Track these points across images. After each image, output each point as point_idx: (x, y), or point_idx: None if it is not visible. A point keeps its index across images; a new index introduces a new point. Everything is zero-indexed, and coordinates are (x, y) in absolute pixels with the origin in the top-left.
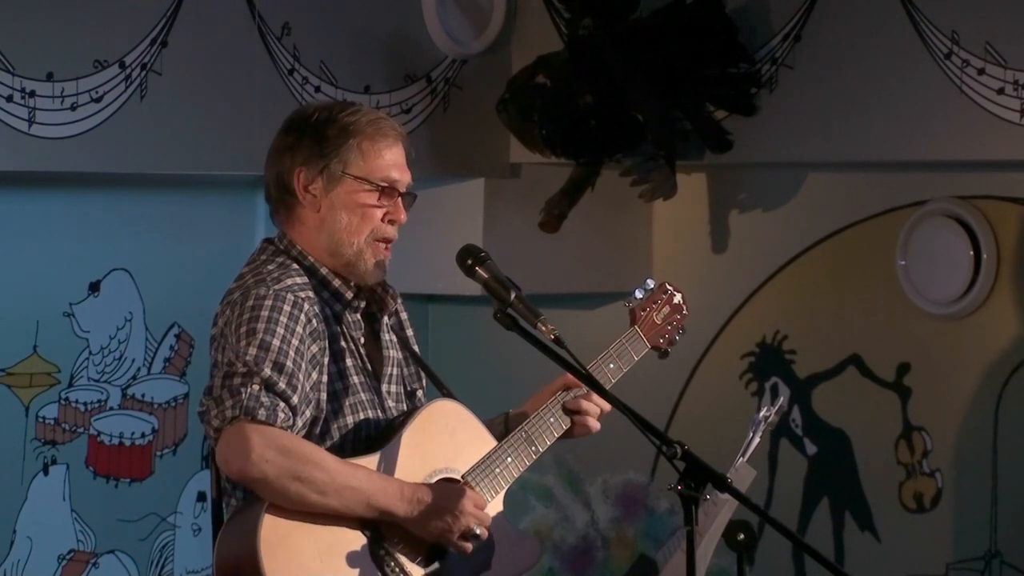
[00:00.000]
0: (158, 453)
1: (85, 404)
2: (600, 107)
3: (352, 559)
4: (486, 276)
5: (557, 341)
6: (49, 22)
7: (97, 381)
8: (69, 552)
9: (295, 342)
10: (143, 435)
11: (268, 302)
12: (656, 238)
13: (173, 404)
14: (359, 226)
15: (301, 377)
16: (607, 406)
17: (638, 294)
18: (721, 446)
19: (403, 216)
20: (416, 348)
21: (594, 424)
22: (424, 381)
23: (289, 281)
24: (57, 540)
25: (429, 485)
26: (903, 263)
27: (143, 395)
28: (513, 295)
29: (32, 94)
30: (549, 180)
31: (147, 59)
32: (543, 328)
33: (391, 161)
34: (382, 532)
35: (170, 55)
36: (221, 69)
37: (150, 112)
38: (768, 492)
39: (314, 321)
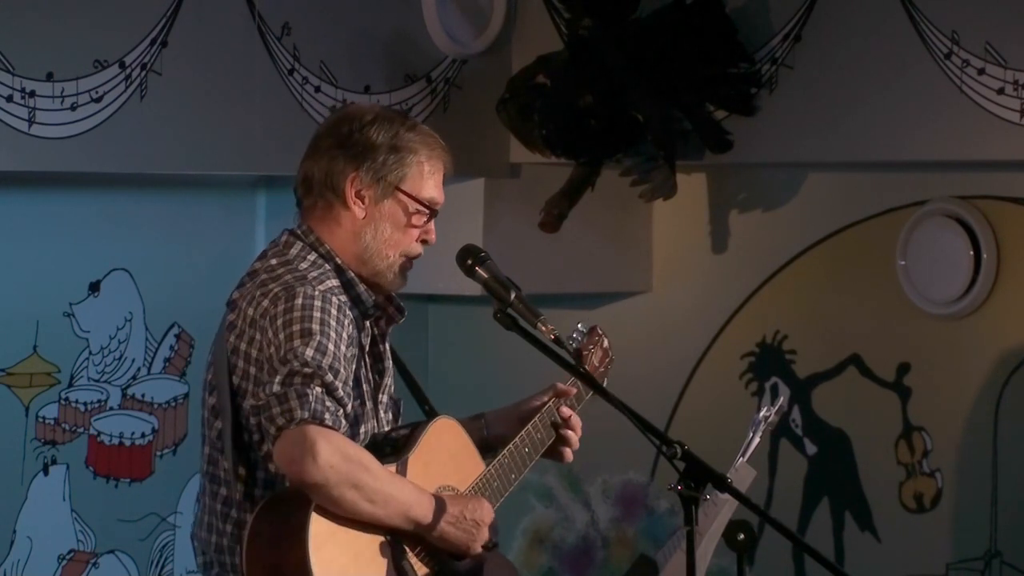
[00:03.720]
0: (158, 453)
1: (85, 404)
2: (600, 107)
3: (380, 564)
4: (486, 276)
5: (557, 341)
6: (49, 22)
7: (97, 381)
8: (69, 552)
9: (343, 347)
10: (143, 435)
11: (318, 303)
12: (656, 238)
13: (173, 404)
14: (398, 240)
15: (349, 383)
16: (576, 440)
17: (575, 335)
18: (721, 446)
19: (434, 237)
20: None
21: (568, 454)
22: (392, 385)
23: (329, 283)
24: (57, 540)
25: (452, 497)
26: (903, 263)
27: (143, 395)
28: (513, 295)
29: (32, 94)
30: (549, 180)
31: (147, 59)
32: (543, 328)
33: (436, 183)
34: (402, 540)
35: (170, 55)
36: (221, 69)
37: (150, 112)
38: (768, 492)
39: (350, 327)
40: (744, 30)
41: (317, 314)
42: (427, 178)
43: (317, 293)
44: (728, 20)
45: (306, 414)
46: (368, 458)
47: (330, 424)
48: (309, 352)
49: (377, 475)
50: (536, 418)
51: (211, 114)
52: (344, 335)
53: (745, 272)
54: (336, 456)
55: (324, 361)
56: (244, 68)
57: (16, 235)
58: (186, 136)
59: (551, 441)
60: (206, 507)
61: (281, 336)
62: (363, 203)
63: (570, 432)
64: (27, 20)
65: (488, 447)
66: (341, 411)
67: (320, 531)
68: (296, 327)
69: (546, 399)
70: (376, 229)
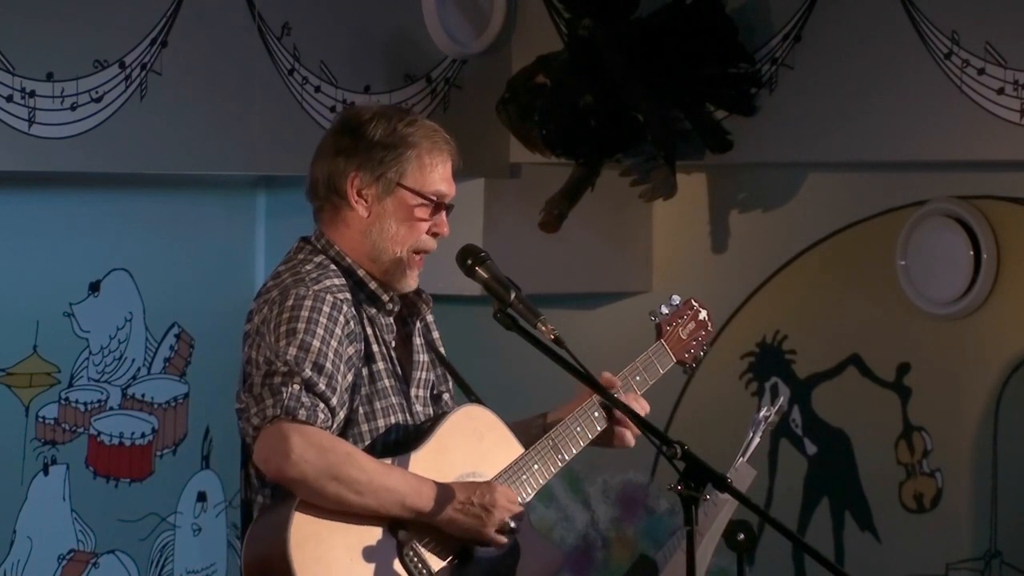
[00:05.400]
0: (158, 453)
1: (85, 404)
2: (600, 107)
3: (380, 558)
4: (486, 276)
5: (557, 341)
6: (49, 22)
7: (97, 381)
8: (69, 552)
9: (334, 343)
10: (143, 435)
11: (308, 302)
12: (656, 238)
13: (173, 404)
14: (405, 236)
15: (339, 379)
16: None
17: (664, 309)
18: (721, 446)
19: (447, 230)
20: (443, 350)
21: (630, 438)
22: (451, 383)
23: (328, 282)
24: (57, 540)
25: (460, 484)
26: (903, 263)
27: (143, 395)
28: (513, 295)
29: (32, 94)
30: (549, 180)
31: (147, 59)
32: (543, 328)
33: (442, 176)
34: (411, 532)
35: (170, 55)
36: (221, 69)
37: (150, 112)
38: (768, 492)
39: (351, 323)
40: (744, 30)
41: (304, 313)
42: (429, 171)
43: (309, 292)
44: (728, 20)
45: (279, 411)
46: (351, 450)
47: (304, 419)
48: (292, 351)
49: (362, 466)
50: (593, 397)
51: (211, 114)
52: (338, 331)
53: (745, 272)
54: (310, 450)
55: (307, 359)
56: (244, 68)
57: (16, 235)
58: (186, 136)
59: (602, 428)
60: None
61: (271, 338)
62: (366, 202)
63: (624, 431)
64: (27, 20)
65: None
66: (321, 406)
67: (304, 527)
68: (283, 328)
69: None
70: (382, 227)
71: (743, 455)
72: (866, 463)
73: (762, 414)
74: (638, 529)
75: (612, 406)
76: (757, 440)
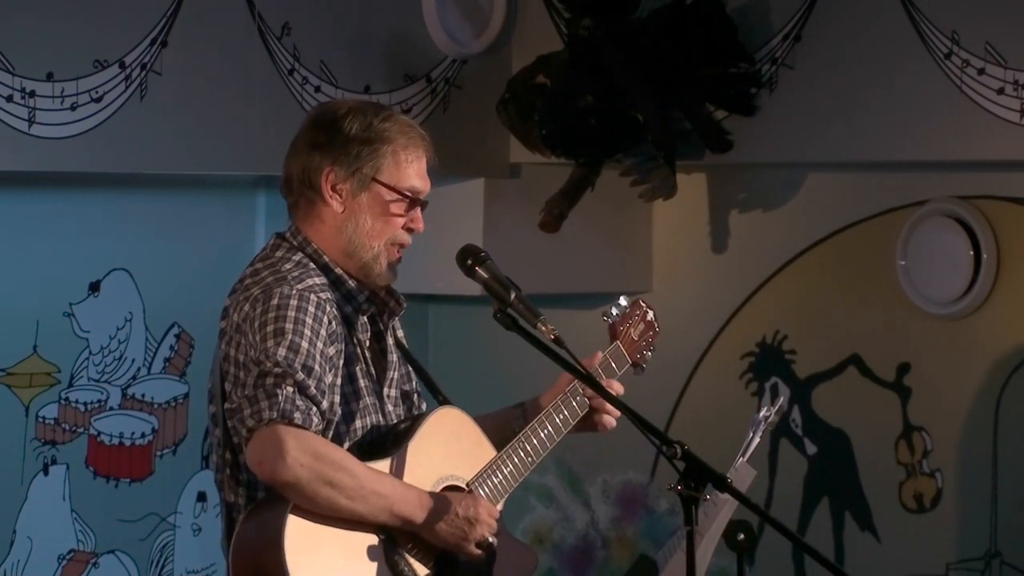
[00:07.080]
0: (158, 453)
1: (85, 404)
2: (600, 107)
3: (369, 563)
4: (486, 276)
5: (557, 341)
6: (49, 22)
7: (97, 381)
8: (69, 552)
9: (320, 344)
10: (143, 435)
11: (294, 302)
12: (656, 238)
13: (173, 404)
14: (380, 231)
15: (326, 380)
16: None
17: (614, 311)
18: (721, 446)
19: (422, 226)
20: (406, 345)
21: (611, 421)
22: (415, 381)
23: (310, 281)
24: (57, 540)
25: (444, 494)
26: (903, 263)
27: (143, 395)
28: (513, 295)
29: (32, 94)
30: (549, 180)
31: (147, 59)
32: (543, 328)
33: (417, 172)
34: (395, 538)
35: (170, 55)
36: (221, 69)
37: (150, 112)
38: (768, 492)
39: (333, 323)
40: (744, 30)
41: (291, 313)
42: (405, 167)
43: (294, 292)
44: (728, 20)
45: (275, 414)
46: (343, 455)
47: (300, 423)
48: (281, 352)
49: (354, 472)
50: (558, 399)
51: (211, 114)
52: (323, 332)
53: (745, 272)
54: (305, 454)
55: (297, 360)
56: (244, 68)
57: (16, 235)
58: (186, 136)
59: (576, 420)
60: (222, 514)
61: (257, 338)
62: (340, 197)
63: (603, 416)
64: (27, 20)
65: None
66: (314, 409)
67: (298, 532)
68: (270, 327)
69: (568, 379)
70: (357, 222)
71: (743, 455)
72: (866, 463)
73: (762, 414)
74: (638, 529)
75: (613, 405)
76: (757, 440)
